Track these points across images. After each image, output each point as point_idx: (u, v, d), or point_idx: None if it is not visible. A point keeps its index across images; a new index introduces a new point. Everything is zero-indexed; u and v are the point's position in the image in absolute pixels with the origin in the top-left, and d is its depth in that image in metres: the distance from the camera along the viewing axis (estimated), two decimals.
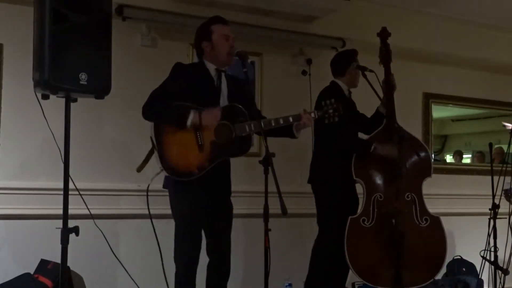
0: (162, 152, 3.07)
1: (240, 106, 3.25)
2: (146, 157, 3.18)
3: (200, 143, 3.11)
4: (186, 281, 3.20)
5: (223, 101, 3.28)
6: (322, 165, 4.01)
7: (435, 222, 3.98)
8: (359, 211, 3.92)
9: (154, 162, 3.12)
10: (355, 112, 4.16)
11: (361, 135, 4.14)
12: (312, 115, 3.36)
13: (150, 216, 3.15)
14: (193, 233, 3.21)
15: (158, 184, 3.24)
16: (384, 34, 4.17)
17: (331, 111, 3.36)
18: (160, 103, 3.12)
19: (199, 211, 3.19)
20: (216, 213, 3.27)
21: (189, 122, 3.07)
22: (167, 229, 3.25)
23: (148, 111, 3.13)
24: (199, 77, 3.26)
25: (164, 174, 3.13)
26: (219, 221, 3.30)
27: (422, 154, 4.09)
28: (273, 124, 3.27)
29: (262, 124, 3.19)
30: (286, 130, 3.37)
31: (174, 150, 3.09)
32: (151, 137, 3.11)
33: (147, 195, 3.11)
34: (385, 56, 4.11)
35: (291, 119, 3.31)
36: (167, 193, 3.28)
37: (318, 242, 4.03)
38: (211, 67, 3.30)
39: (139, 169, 3.19)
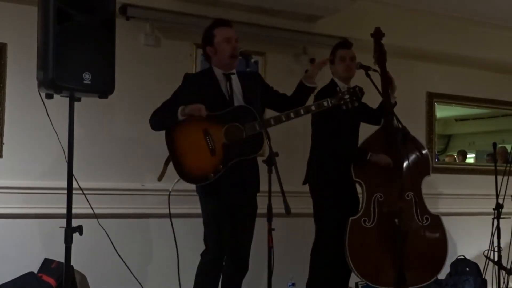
0: (176, 160, 3.15)
1: (248, 106, 3.26)
2: (164, 166, 3.24)
3: (211, 147, 3.15)
4: (208, 277, 3.28)
5: (238, 102, 3.30)
6: (318, 165, 3.98)
7: (436, 221, 3.96)
8: (359, 211, 3.90)
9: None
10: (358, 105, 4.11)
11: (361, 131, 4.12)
12: (325, 103, 3.35)
13: (170, 217, 3.19)
14: (218, 234, 3.26)
15: (165, 183, 3.27)
16: (378, 35, 4.11)
17: (347, 96, 3.37)
18: (160, 112, 3.24)
19: (226, 212, 3.25)
20: (241, 213, 3.32)
21: (179, 115, 3.15)
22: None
23: (151, 121, 3.28)
24: (206, 84, 3.30)
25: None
26: (243, 221, 3.34)
27: (421, 153, 4.07)
28: (283, 119, 3.28)
29: (272, 121, 3.24)
30: (299, 93, 3.47)
31: (187, 157, 3.16)
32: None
33: (169, 196, 3.16)
34: (380, 57, 4.06)
35: (302, 111, 3.32)
36: (178, 193, 3.36)
37: (316, 243, 4.02)
38: (219, 72, 3.33)
39: (159, 178, 3.26)
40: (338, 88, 3.38)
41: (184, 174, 3.15)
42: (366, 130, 4.09)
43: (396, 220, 3.77)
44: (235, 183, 3.22)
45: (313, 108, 3.36)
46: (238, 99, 3.30)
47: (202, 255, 3.33)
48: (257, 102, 3.25)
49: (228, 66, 3.33)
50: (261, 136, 3.24)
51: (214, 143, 3.17)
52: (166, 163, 3.23)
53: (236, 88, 3.33)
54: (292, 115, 3.28)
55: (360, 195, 4.02)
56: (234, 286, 3.43)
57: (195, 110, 3.15)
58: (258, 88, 3.33)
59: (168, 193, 3.29)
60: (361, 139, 4.04)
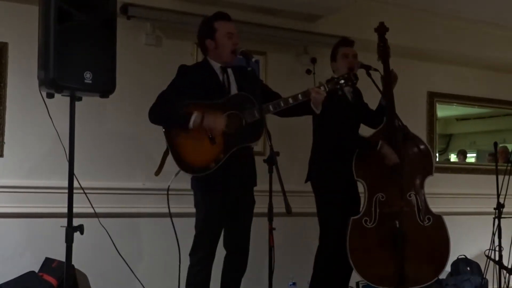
0: (176, 152, 3.09)
1: (246, 94, 3.26)
2: (162, 159, 3.20)
3: (210, 136, 3.13)
4: (200, 276, 3.23)
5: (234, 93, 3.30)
6: (321, 162, 3.97)
7: (438, 221, 3.95)
8: (361, 211, 3.89)
9: (173, 162, 3.14)
10: (360, 103, 4.11)
11: (362, 130, 4.12)
12: (322, 88, 3.36)
13: (170, 215, 3.17)
14: (211, 230, 3.24)
15: (167, 183, 3.25)
16: (381, 30, 4.11)
17: (342, 81, 3.40)
18: (163, 107, 3.16)
19: (219, 209, 3.23)
20: (238, 207, 3.30)
21: (191, 123, 3.08)
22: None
23: (153, 116, 3.19)
24: (204, 75, 3.28)
25: (182, 173, 3.14)
26: (240, 216, 3.32)
27: (423, 152, 4.07)
28: (282, 105, 3.28)
29: (271, 107, 3.23)
30: (304, 108, 3.37)
31: (187, 147, 3.11)
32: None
33: (168, 195, 3.13)
34: (384, 52, 4.06)
35: (300, 96, 3.32)
36: (178, 192, 3.33)
37: (320, 242, 4.02)
38: (216, 65, 3.32)
39: (157, 173, 3.21)
40: (333, 76, 3.41)
41: (184, 165, 3.09)
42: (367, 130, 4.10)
43: (397, 222, 3.77)
44: (233, 177, 3.20)
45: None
46: (234, 91, 3.30)
47: (191, 255, 3.26)
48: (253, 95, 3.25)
49: (226, 61, 3.33)
50: (260, 124, 3.21)
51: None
52: (164, 156, 3.18)
53: (233, 82, 3.33)
54: (290, 100, 3.29)
55: (361, 194, 4.02)
56: (234, 284, 3.41)
57: (212, 123, 3.12)
58: (256, 87, 3.30)
59: (169, 192, 3.28)
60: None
